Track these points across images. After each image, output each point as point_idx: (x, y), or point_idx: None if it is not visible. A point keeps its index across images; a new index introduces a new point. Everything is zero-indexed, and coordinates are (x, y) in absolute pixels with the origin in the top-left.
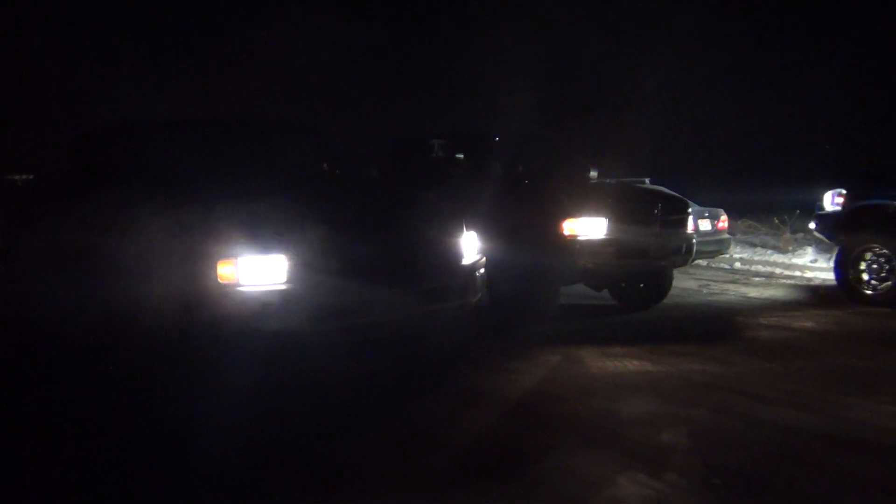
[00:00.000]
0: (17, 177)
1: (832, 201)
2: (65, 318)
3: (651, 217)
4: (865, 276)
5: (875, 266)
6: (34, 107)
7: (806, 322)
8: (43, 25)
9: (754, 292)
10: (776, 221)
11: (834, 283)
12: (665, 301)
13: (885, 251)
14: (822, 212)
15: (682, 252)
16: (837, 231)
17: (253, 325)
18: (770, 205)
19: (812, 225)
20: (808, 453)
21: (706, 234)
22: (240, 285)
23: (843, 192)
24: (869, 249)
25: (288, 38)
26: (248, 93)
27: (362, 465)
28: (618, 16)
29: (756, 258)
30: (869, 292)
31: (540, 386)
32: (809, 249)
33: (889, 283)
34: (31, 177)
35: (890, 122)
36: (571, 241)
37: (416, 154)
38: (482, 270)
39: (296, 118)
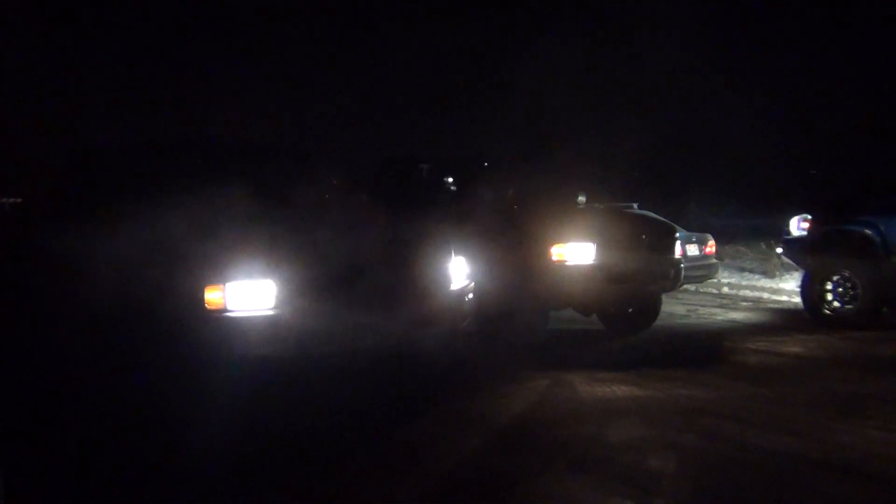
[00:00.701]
0: (4, 200)
1: (798, 226)
2: (52, 340)
3: (639, 242)
4: (834, 301)
5: (840, 290)
6: (22, 129)
7: (793, 347)
8: (28, 47)
9: (742, 317)
10: (763, 246)
11: None
12: (653, 326)
13: (850, 275)
14: (789, 236)
15: (671, 277)
16: (804, 255)
17: (241, 351)
18: (758, 230)
19: (779, 249)
20: (797, 478)
21: (694, 258)
22: (227, 311)
23: (809, 217)
24: (835, 273)
25: (278, 58)
26: (236, 115)
27: (350, 488)
28: (604, 40)
29: (744, 283)
30: (831, 314)
31: (528, 410)
32: (797, 274)
33: (852, 306)
34: (20, 200)
35: (872, 148)
36: (560, 266)
37: (405, 178)
38: (471, 295)
39: (285, 141)
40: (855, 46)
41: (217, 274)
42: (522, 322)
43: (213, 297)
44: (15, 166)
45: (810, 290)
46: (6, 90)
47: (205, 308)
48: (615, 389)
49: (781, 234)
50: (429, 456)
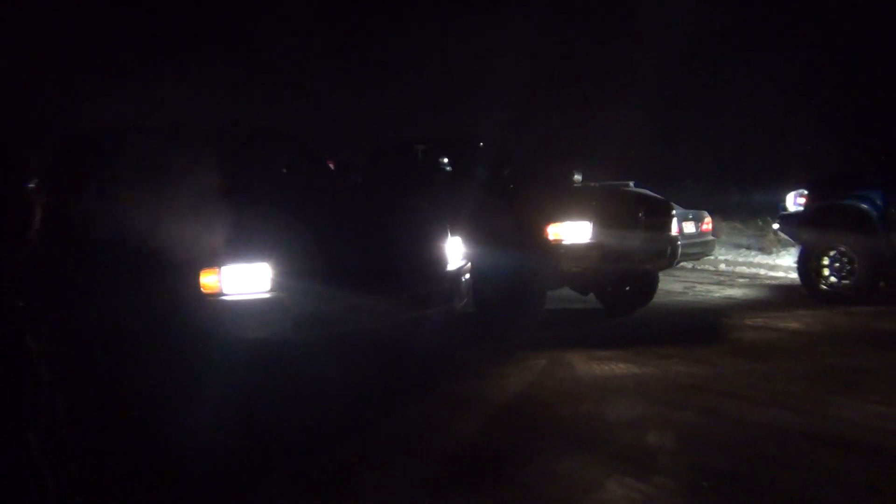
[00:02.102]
0: None
1: (794, 202)
2: (50, 326)
3: (635, 220)
4: (830, 276)
5: (837, 265)
6: (18, 110)
7: (791, 322)
8: (24, 27)
9: (739, 294)
10: (760, 223)
11: None
12: (651, 304)
13: (846, 250)
14: (786, 212)
15: (667, 255)
16: (801, 230)
17: (237, 335)
18: (754, 206)
19: (776, 225)
20: (796, 454)
21: (690, 236)
22: (223, 294)
23: (805, 192)
24: (831, 248)
25: (271, 40)
26: (231, 98)
27: (349, 472)
28: (600, 19)
29: (740, 260)
30: (828, 289)
31: (526, 390)
32: (793, 250)
33: (849, 281)
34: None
35: (871, 124)
36: (556, 246)
37: (400, 159)
38: (467, 276)
39: (279, 124)
40: (849, 20)
41: (212, 258)
42: (519, 302)
43: (209, 280)
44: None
45: (807, 265)
46: (6, 77)
47: (201, 292)
48: (613, 368)
49: (778, 209)
50: (427, 437)
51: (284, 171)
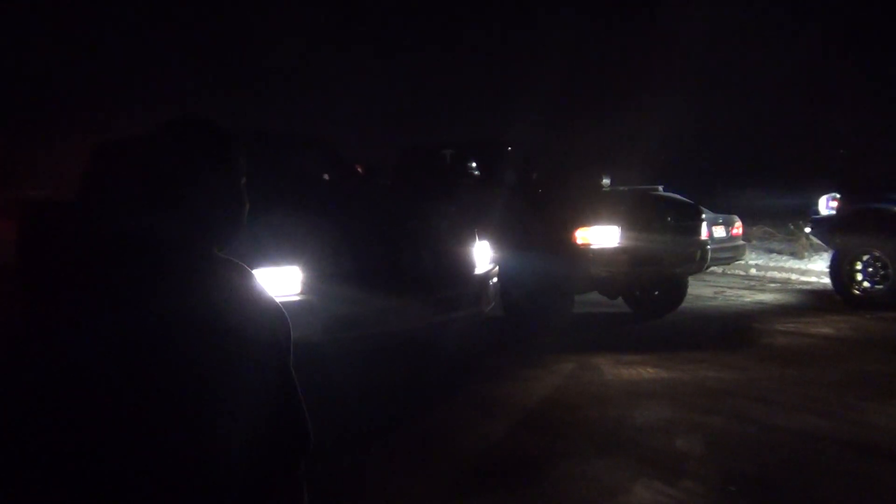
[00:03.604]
0: (33, 192)
1: (827, 205)
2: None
3: (664, 224)
4: (864, 281)
5: (871, 269)
6: (53, 118)
7: (822, 328)
8: (58, 34)
9: (770, 298)
10: (791, 227)
11: None
12: (680, 308)
13: (880, 255)
14: (818, 216)
15: (697, 259)
16: (833, 235)
17: None
18: (785, 210)
19: (808, 229)
20: (825, 459)
21: (720, 240)
22: None
23: (838, 196)
24: (865, 253)
25: (299, 47)
26: (259, 103)
27: (377, 473)
28: (630, 19)
29: (771, 264)
30: (861, 294)
31: (555, 394)
32: (826, 255)
33: (882, 286)
34: (48, 192)
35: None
36: (585, 250)
37: (428, 164)
38: (495, 279)
39: (307, 129)
40: (883, 22)
41: (243, 261)
42: (547, 306)
43: None
44: (42, 158)
45: (840, 270)
46: (38, 78)
47: None
48: (641, 372)
49: (810, 213)
50: (455, 439)
51: (314, 175)
